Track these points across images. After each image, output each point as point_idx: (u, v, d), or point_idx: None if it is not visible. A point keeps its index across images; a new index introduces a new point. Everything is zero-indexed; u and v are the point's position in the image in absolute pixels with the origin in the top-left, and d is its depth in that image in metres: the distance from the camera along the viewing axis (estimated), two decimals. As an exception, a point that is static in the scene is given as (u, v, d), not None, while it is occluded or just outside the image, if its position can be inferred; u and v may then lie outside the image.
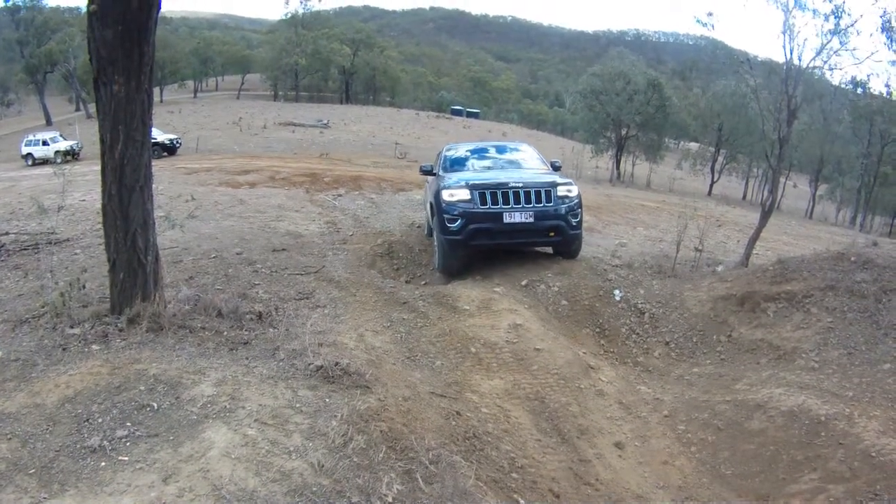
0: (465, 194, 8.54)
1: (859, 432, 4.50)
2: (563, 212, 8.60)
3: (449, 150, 11.19)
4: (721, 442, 5.01)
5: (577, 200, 8.81)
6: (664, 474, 4.69)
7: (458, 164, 10.46)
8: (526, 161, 10.73)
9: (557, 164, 10.68)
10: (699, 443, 5.06)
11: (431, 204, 9.36)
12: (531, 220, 8.46)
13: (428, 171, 10.62)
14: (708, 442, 5.05)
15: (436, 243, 9.24)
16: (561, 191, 8.70)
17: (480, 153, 10.99)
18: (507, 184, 8.61)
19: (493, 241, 8.68)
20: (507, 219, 8.41)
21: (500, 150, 11.38)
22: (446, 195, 8.63)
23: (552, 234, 8.67)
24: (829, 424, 4.67)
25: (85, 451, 3.24)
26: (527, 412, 4.97)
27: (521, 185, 8.57)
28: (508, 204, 8.46)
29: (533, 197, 8.50)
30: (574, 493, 4.17)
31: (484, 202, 8.46)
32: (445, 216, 8.55)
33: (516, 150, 11.41)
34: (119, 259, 5.03)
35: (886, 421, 4.58)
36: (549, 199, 8.56)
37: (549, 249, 9.41)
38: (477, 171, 9.99)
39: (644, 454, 4.90)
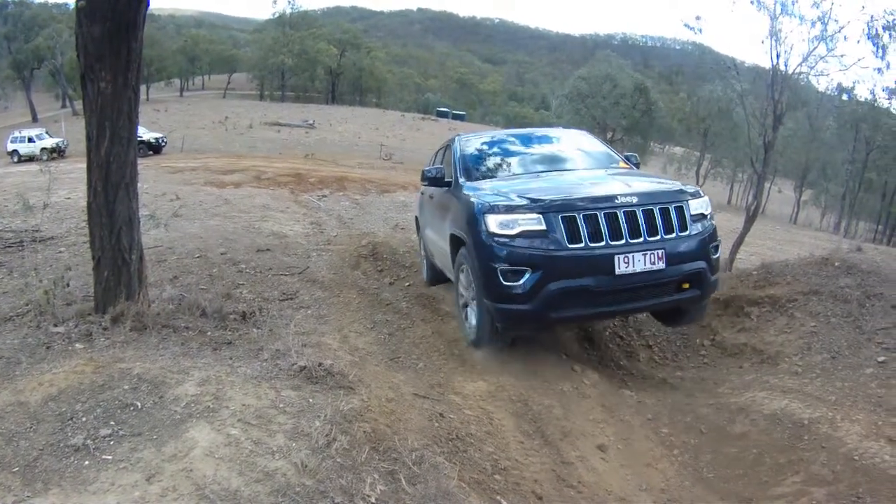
0: (532, 221, 4.84)
1: (842, 436, 4.53)
2: (703, 245, 5.16)
3: (466, 143, 6.84)
4: (704, 445, 5.03)
5: (713, 222, 5.43)
6: (647, 477, 4.70)
7: (490, 166, 6.46)
8: (594, 156, 6.71)
9: (635, 160, 6.85)
10: (682, 446, 5.08)
11: (458, 238, 5.68)
12: (662, 265, 4.87)
13: (437, 180, 6.45)
14: (691, 445, 5.07)
15: (464, 298, 5.84)
16: (694, 206, 5.19)
17: (517, 147, 6.86)
18: (611, 198, 4.92)
19: (595, 311, 5.15)
20: (621, 267, 4.77)
21: (545, 139, 7.15)
22: (494, 224, 4.92)
23: (687, 285, 5.18)
24: (812, 428, 4.70)
25: (69, 450, 3.22)
26: (510, 414, 4.96)
27: (633, 199, 4.93)
28: (620, 238, 4.82)
29: (659, 221, 4.95)
30: (557, 495, 4.17)
31: (574, 237, 4.79)
32: (499, 267, 4.87)
33: (567, 139, 7.26)
34: (104, 257, 5.01)
35: (869, 425, 4.62)
36: (681, 224, 5.04)
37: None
38: (530, 178, 5.97)
39: (627, 457, 4.91)
